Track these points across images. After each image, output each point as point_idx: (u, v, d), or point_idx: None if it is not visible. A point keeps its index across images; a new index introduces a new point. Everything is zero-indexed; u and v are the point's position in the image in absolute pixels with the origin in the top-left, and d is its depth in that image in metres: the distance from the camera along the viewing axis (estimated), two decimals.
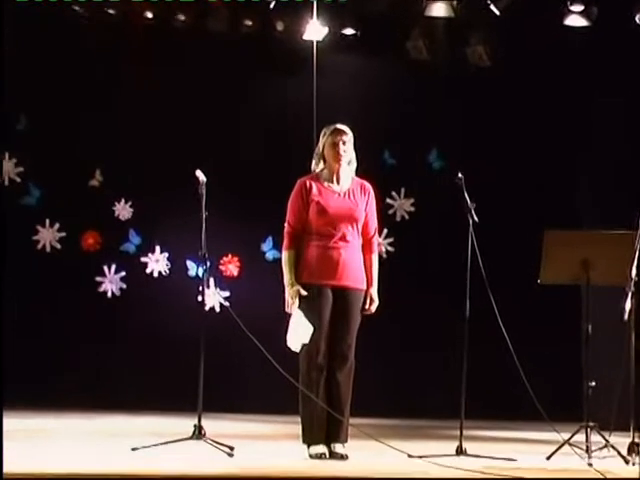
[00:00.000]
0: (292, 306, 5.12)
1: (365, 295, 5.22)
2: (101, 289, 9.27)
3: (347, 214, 5.18)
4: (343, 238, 5.16)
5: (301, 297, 5.11)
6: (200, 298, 5.39)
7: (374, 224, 5.31)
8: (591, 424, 5.31)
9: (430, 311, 8.85)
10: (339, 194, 5.21)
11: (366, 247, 5.27)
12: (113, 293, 9.27)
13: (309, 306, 5.10)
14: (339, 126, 5.25)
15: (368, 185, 5.30)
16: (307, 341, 5.05)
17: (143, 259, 9.30)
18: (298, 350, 5.10)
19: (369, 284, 5.23)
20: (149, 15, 8.65)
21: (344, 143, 5.20)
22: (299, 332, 5.06)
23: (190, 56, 9.00)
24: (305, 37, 8.76)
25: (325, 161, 5.25)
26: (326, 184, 5.23)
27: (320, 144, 5.27)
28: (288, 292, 5.15)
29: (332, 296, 5.14)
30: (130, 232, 9.32)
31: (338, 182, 5.24)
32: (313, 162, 5.30)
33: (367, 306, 5.22)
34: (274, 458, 5.13)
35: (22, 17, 8.05)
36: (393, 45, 8.82)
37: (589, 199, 8.64)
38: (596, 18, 8.28)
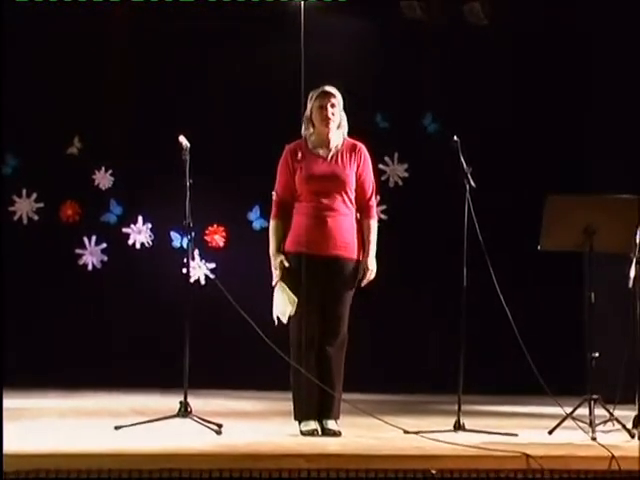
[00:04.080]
0: (276, 277, 4.96)
1: (359, 264, 5.02)
2: (81, 262, 9.15)
3: (334, 179, 4.98)
4: (332, 205, 4.97)
5: (289, 268, 4.94)
6: (185, 270, 5.23)
7: (370, 186, 5.08)
8: (595, 397, 5.16)
9: (426, 281, 8.80)
10: (325, 159, 5.02)
11: (363, 211, 5.06)
12: (94, 266, 9.16)
13: (297, 277, 4.93)
14: (327, 88, 5.07)
15: (360, 145, 5.10)
16: (291, 313, 4.90)
17: (125, 230, 9.20)
18: (285, 321, 4.95)
19: (365, 252, 5.03)
20: None
21: (332, 106, 5.02)
22: (282, 304, 4.92)
23: (172, 18, 8.84)
24: None
25: (314, 125, 5.06)
26: (314, 149, 5.04)
27: (308, 108, 5.09)
28: (272, 263, 5.00)
29: (322, 266, 4.94)
30: (111, 202, 9.21)
31: (327, 146, 5.05)
32: (303, 127, 5.12)
33: (364, 275, 5.01)
34: (264, 435, 4.98)
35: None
36: (385, 3, 8.67)
37: (592, 163, 8.53)
38: None
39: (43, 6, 8.20)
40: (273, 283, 4.98)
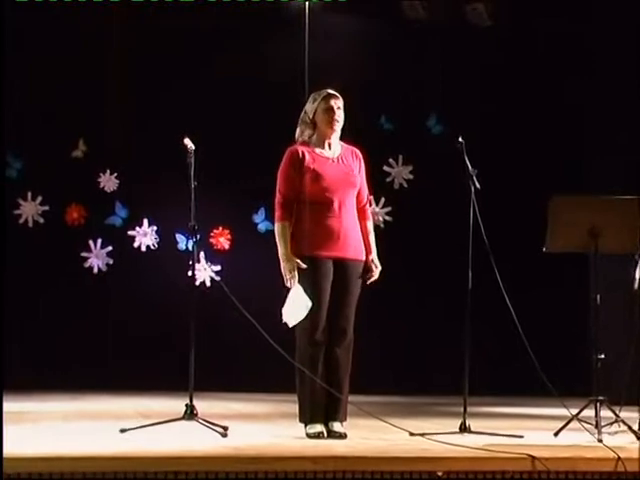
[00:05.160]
0: (291, 280, 4.91)
1: (366, 264, 5.04)
2: (87, 265, 9.14)
3: (343, 180, 5.01)
4: (341, 206, 4.97)
5: (299, 270, 4.91)
6: (190, 273, 5.21)
7: (366, 191, 5.17)
8: (600, 398, 5.15)
9: (431, 283, 8.77)
10: (333, 160, 5.04)
11: (360, 214, 5.10)
12: (99, 269, 9.15)
13: (307, 279, 4.90)
14: (331, 91, 5.07)
15: (358, 151, 5.15)
16: (303, 317, 4.86)
17: (130, 232, 9.19)
18: (291, 325, 4.91)
19: (368, 252, 5.07)
20: None
21: (339, 108, 5.02)
22: (297, 307, 4.88)
23: (175, 20, 8.81)
24: None
25: (315, 128, 5.05)
26: (318, 151, 5.04)
27: (309, 110, 5.06)
28: (285, 266, 4.95)
29: (330, 268, 4.94)
30: (116, 204, 9.20)
31: (330, 148, 5.06)
32: (297, 130, 5.10)
33: (370, 273, 5.03)
34: (270, 438, 4.97)
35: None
36: (389, 4, 8.65)
37: (597, 163, 8.51)
38: None
39: (44, 6, 8.19)
40: (288, 285, 4.93)
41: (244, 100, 8.96)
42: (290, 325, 4.92)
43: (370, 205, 5.31)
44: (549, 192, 5.40)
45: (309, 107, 5.05)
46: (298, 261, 4.91)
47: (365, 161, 5.15)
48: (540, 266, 7.56)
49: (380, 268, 5.07)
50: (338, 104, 5.01)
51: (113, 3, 8.58)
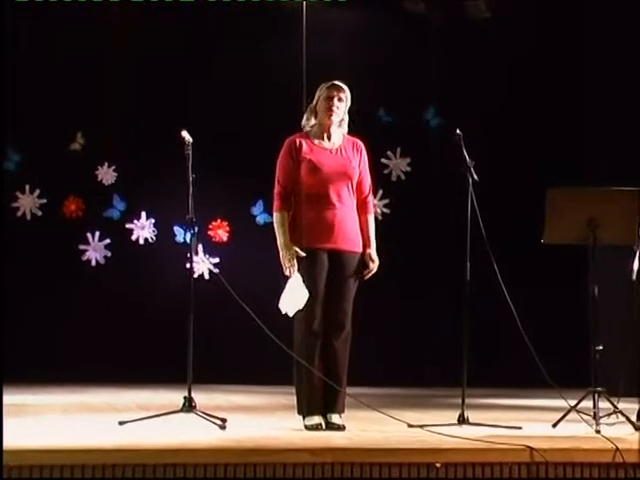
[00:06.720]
0: (291, 269, 4.91)
1: (363, 257, 5.03)
2: (85, 257, 9.15)
3: (341, 171, 5.00)
4: (338, 198, 4.97)
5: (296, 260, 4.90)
6: (188, 265, 5.22)
7: (368, 182, 5.13)
8: (599, 389, 5.15)
9: (429, 275, 8.79)
10: (331, 151, 5.03)
11: (361, 207, 5.09)
12: (97, 261, 9.16)
13: (302, 271, 4.90)
14: (338, 82, 5.08)
15: (360, 142, 5.13)
16: (302, 307, 4.86)
17: (128, 225, 9.20)
18: (291, 315, 4.91)
19: (366, 245, 5.05)
20: None
21: (339, 99, 5.02)
22: (295, 297, 4.87)
23: (175, 14, 8.81)
24: None
25: (316, 117, 5.06)
26: (317, 141, 5.04)
27: (315, 98, 5.08)
28: (284, 255, 4.95)
29: (327, 260, 4.94)
30: (114, 197, 9.21)
31: (329, 139, 5.06)
32: (304, 117, 5.11)
33: (368, 267, 5.01)
34: (268, 430, 4.97)
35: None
36: None
37: (595, 155, 8.52)
38: None
39: (44, 5, 8.19)
40: (287, 273, 4.92)
41: (242, 94, 8.96)
42: (290, 314, 4.90)
43: (372, 197, 5.27)
44: (547, 184, 5.40)
45: (316, 95, 5.08)
46: (297, 249, 4.91)
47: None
48: (538, 258, 7.57)
49: (377, 262, 5.03)
50: (340, 95, 5.01)
51: (113, 3, 8.57)
